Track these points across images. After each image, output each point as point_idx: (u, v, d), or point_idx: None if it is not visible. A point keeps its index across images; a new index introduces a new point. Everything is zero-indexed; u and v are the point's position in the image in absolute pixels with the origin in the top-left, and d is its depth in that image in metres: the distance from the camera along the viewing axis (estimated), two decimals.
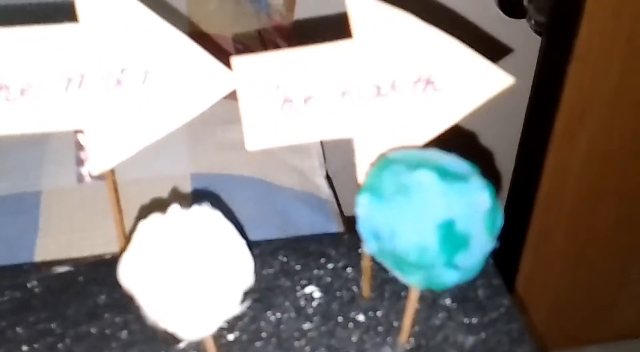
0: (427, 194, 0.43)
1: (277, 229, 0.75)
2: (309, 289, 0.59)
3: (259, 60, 0.47)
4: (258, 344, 0.54)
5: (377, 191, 0.45)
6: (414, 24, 0.48)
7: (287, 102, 0.49)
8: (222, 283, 0.45)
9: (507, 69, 0.50)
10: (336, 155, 1.03)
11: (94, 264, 0.60)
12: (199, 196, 0.74)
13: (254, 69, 0.47)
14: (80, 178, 0.53)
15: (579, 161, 1.17)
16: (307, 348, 0.54)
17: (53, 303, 0.57)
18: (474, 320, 0.56)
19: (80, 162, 0.51)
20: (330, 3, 0.91)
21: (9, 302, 0.57)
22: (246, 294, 0.46)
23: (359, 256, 0.61)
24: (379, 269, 0.59)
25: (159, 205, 0.71)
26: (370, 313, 0.57)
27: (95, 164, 0.51)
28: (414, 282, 0.46)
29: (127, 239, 0.47)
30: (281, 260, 0.61)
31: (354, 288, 0.59)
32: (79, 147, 0.49)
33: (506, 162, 1.28)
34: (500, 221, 0.45)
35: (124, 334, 0.55)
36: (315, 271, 0.60)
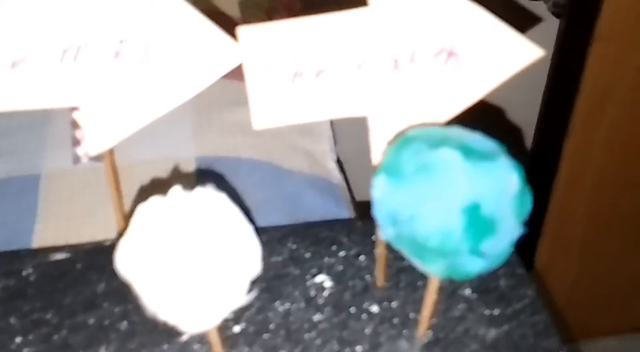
0: (450, 174, 0.39)
1: (286, 214, 0.72)
2: (320, 278, 0.55)
3: (267, 30, 0.44)
4: (266, 336, 0.51)
5: (395, 171, 0.42)
6: None
7: (298, 75, 0.45)
8: (228, 271, 0.41)
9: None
10: (347, 139, 0.99)
11: (92, 250, 0.57)
12: (203, 178, 0.71)
13: (261, 40, 0.44)
14: (76, 159, 0.50)
15: (600, 147, 1.13)
16: (318, 341, 0.50)
17: (49, 291, 0.54)
18: (496, 312, 0.52)
19: (76, 142, 0.48)
20: None
21: (2, 290, 0.54)
22: (253, 283, 0.43)
23: (372, 243, 0.58)
24: (394, 257, 0.56)
25: (160, 188, 0.68)
26: (385, 304, 0.53)
27: (92, 144, 0.48)
28: (435, 271, 0.43)
29: (127, 224, 0.44)
30: (290, 247, 0.58)
31: (367, 277, 0.55)
32: (75, 126, 0.46)
33: (523, 146, 1.25)
34: (529, 205, 0.42)
35: (123, 325, 0.52)
36: (326, 259, 0.57)
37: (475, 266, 0.41)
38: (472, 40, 0.45)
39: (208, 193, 0.42)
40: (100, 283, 0.54)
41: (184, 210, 0.42)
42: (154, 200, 0.42)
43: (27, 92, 0.46)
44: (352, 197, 0.81)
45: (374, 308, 0.53)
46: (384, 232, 0.43)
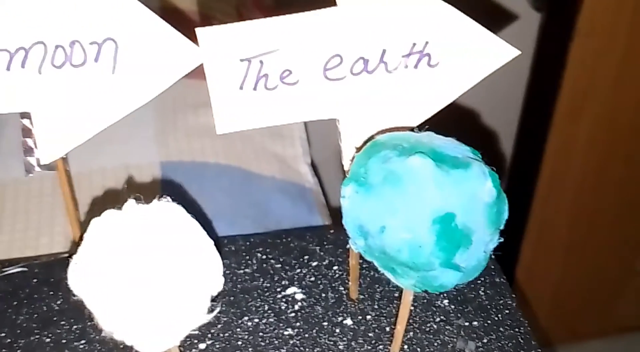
0: (421, 184, 0.37)
1: (255, 222, 0.69)
2: (290, 290, 0.53)
3: (227, 31, 0.41)
4: None
5: (363, 180, 0.39)
6: None
7: (262, 77, 0.42)
8: (187, 289, 0.39)
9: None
10: (322, 141, 0.96)
11: (48, 264, 0.54)
12: (168, 185, 0.68)
13: (222, 41, 0.41)
14: (29, 168, 0.47)
15: (582, 145, 1.11)
16: None
17: (2, 309, 0.51)
18: (475, 323, 0.50)
19: (28, 150, 0.45)
20: None
21: None
22: (219, 297, 0.41)
23: (346, 253, 0.55)
24: (368, 267, 0.54)
25: (121, 196, 0.65)
26: (359, 317, 0.51)
27: (44, 151, 0.45)
28: (408, 285, 0.40)
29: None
30: (259, 258, 0.55)
31: (341, 289, 0.53)
32: (26, 133, 0.43)
33: (503, 148, 1.22)
34: (505, 213, 0.40)
35: (81, 344, 0.49)
36: (298, 270, 0.54)
37: (449, 278, 0.39)
38: (444, 40, 0.43)
39: (165, 205, 0.40)
40: (57, 299, 0.52)
41: (140, 223, 0.39)
42: (109, 213, 0.40)
43: None
44: (327, 203, 0.79)
45: (348, 321, 0.50)
46: (355, 244, 0.41)
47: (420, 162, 0.37)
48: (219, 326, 0.50)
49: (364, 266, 0.53)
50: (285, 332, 0.50)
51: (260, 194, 0.72)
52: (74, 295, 0.51)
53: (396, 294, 0.52)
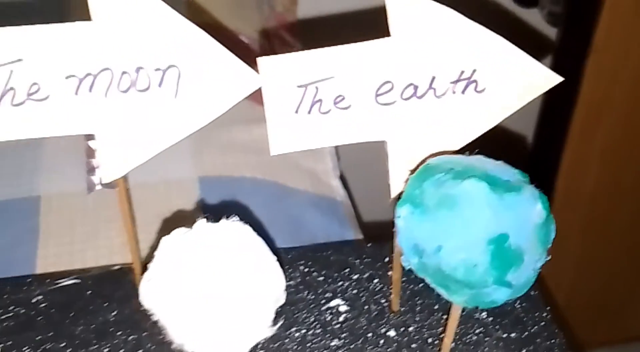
0: (476, 207, 0.39)
1: (290, 235, 0.71)
2: (334, 302, 0.55)
3: (286, 60, 0.44)
4: None
5: (419, 202, 0.41)
6: (456, 19, 0.44)
7: (317, 102, 0.45)
8: (254, 303, 0.41)
9: None
10: (349, 153, 0.99)
11: (100, 276, 0.56)
12: (209, 201, 0.70)
13: (281, 69, 0.44)
14: (91, 187, 0.49)
15: (597, 159, 1.13)
16: None
17: (59, 320, 0.53)
18: (513, 335, 0.52)
19: (91, 169, 0.47)
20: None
21: (13, 318, 0.53)
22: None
23: (384, 266, 0.58)
24: (407, 279, 0.56)
25: (166, 211, 0.67)
26: (402, 329, 0.53)
27: (107, 171, 0.47)
28: (460, 301, 0.43)
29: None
30: (302, 270, 0.57)
31: (382, 301, 0.55)
32: (90, 153, 0.45)
33: (518, 161, 1.24)
34: (553, 233, 0.42)
35: None
36: (340, 283, 0.56)
37: (501, 295, 0.41)
38: (491, 67, 0.45)
39: (233, 225, 0.42)
40: (112, 310, 0.54)
41: (208, 242, 0.41)
42: (178, 231, 0.42)
43: (44, 120, 0.45)
44: (357, 214, 0.81)
45: (392, 333, 0.53)
46: (408, 261, 0.43)
47: (474, 185, 0.40)
48: (269, 337, 0.52)
49: (403, 279, 0.56)
50: (332, 343, 0.52)
51: (295, 208, 0.74)
52: (127, 307, 0.53)
53: (436, 307, 0.54)
